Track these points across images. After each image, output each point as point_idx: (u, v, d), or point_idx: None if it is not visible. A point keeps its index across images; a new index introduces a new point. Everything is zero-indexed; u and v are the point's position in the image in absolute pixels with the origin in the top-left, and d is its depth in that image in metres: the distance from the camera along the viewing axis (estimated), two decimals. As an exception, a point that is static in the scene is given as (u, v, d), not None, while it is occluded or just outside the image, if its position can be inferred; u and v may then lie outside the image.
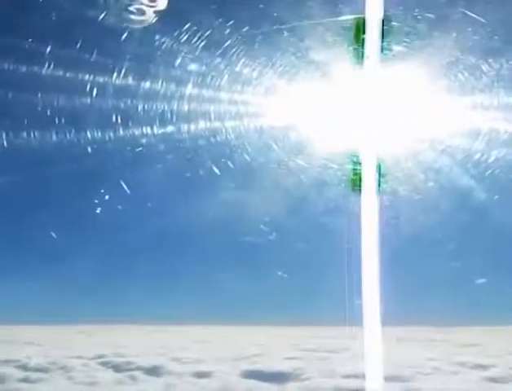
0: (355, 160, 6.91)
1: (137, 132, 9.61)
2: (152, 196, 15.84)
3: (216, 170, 10.29)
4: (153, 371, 24.49)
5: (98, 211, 13.61)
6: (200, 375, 23.91)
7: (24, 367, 25.38)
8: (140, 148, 10.28)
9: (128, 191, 12.66)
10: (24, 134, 10.30)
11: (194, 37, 8.45)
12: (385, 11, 7.07)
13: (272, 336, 49.86)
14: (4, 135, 10.17)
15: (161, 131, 9.28)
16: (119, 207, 16.48)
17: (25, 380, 22.04)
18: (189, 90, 8.75)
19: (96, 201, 14.10)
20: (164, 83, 8.72)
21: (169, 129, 9.32)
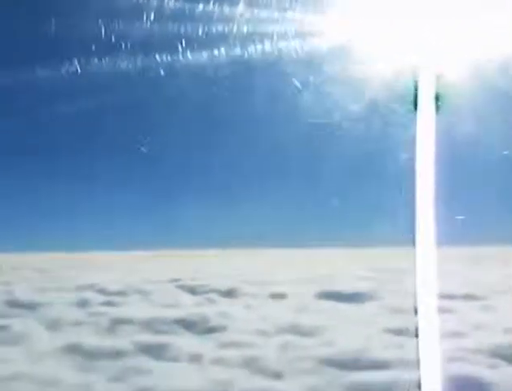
0: (413, 78, 6.25)
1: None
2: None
3: (297, 84, 9.72)
4: (229, 294, 24.73)
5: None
6: (276, 296, 24.02)
7: (104, 292, 26.07)
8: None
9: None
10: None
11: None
12: None
13: (342, 257, 49.86)
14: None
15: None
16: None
17: (108, 303, 22.62)
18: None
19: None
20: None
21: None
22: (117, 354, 13.84)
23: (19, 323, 17.82)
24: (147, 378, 11.64)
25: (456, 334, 15.66)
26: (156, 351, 14.13)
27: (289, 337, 15.77)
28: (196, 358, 13.52)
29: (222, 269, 39.50)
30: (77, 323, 18.44)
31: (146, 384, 11.01)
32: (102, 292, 26.14)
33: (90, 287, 28.13)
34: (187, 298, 24.13)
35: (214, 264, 47.06)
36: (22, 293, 25.98)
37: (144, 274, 35.76)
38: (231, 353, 13.79)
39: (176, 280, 30.62)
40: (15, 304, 22.65)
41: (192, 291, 26.43)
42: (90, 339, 15.55)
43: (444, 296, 21.19)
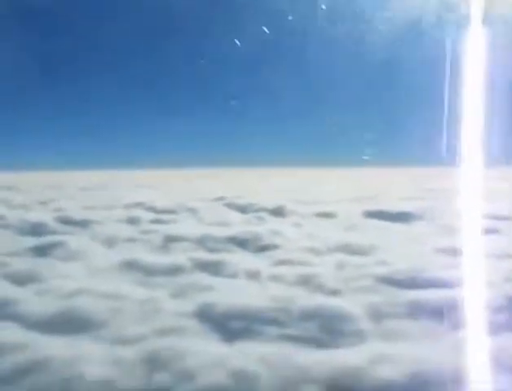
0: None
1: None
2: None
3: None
4: (278, 212, 24.78)
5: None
6: (324, 215, 23.98)
7: (153, 210, 26.36)
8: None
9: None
10: None
11: None
12: None
13: (387, 177, 49.37)
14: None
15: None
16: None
17: (158, 221, 22.90)
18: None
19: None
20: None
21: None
22: (175, 271, 14.01)
23: (74, 240, 18.17)
24: (209, 294, 11.76)
25: (504, 255, 15.48)
26: (212, 268, 14.27)
27: (343, 256, 15.76)
28: (253, 275, 13.61)
29: (266, 188, 39.64)
30: (131, 240, 18.73)
31: (209, 300, 11.13)
32: (150, 209, 26.47)
33: (138, 205, 28.49)
34: (236, 216, 24.27)
35: (258, 183, 47.17)
36: (72, 211, 26.47)
37: (190, 193, 36.09)
38: (287, 271, 13.83)
39: (222, 199, 30.81)
40: (67, 221, 23.06)
41: (240, 209, 26.58)
42: (146, 255, 15.78)
43: (492, 217, 20.90)
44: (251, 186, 42.68)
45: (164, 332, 9.42)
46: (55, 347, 8.66)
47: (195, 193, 35.27)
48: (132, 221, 23.01)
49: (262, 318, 10.27)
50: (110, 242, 18.41)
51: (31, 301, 11.22)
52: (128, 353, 8.47)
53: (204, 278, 13.30)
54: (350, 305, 11.28)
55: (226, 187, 40.29)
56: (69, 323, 9.89)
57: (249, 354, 8.55)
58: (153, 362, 8.12)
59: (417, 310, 11.19)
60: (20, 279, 13.00)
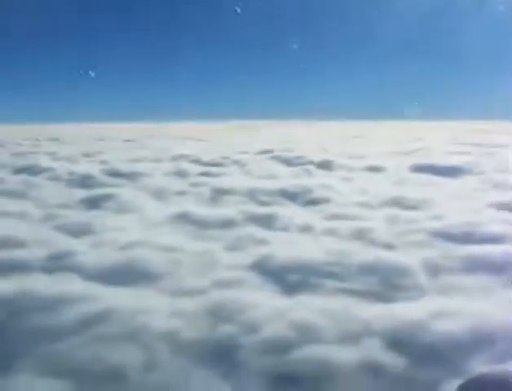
0: None
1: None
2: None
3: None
4: (325, 166, 24.58)
5: None
6: (372, 169, 23.69)
7: (200, 162, 26.42)
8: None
9: None
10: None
11: None
12: None
13: (432, 130, 48.40)
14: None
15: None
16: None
17: (205, 174, 22.94)
18: None
19: None
20: None
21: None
22: (228, 224, 14.05)
23: (124, 192, 18.35)
24: (264, 247, 11.75)
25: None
26: (265, 221, 14.25)
27: (395, 210, 15.59)
28: (306, 229, 13.56)
29: (311, 140, 39.25)
30: (181, 193, 18.82)
31: (264, 253, 11.12)
32: (197, 162, 26.53)
33: (184, 157, 28.60)
34: (284, 169, 24.15)
35: (302, 135, 46.77)
36: (118, 163, 26.72)
37: (235, 145, 35.99)
38: (339, 225, 13.73)
39: (268, 151, 30.68)
40: (115, 173, 23.30)
41: (287, 162, 26.43)
42: (197, 208, 15.84)
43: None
44: (296, 138, 42.32)
45: (223, 285, 9.48)
46: (117, 298, 8.78)
47: (240, 145, 35.15)
48: (180, 173, 23.10)
49: (320, 271, 10.25)
50: (160, 194, 18.53)
51: (89, 253, 11.35)
52: (190, 305, 8.56)
53: (257, 231, 13.28)
54: (407, 259, 11.17)
55: (271, 140, 40.05)
56: (128, 275, 9.99)
57: (309, 307, 8.55)
58: (216, 314, 8.19)
59: (473, 265, 11.04)
60: (76, 231, 13.19)
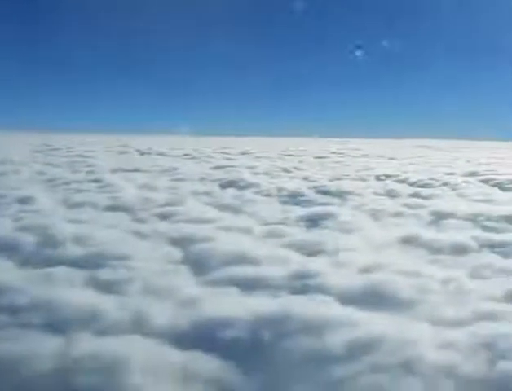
0: None
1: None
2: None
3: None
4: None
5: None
6: None
7: (406, 182, 25.85)
8: None
9: None
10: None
11: None
12: None
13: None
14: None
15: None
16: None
17: (416, 194, 22.40)
18: None
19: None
20: None
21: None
22: (462, 249, 13.45)
23: (342, 212, 18.27)
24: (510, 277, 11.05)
25: None
26: (501, 248, 13.47)
27: None
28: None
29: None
30: (397, 214, 18.42)
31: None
32: (402, 182, 26.03)
33: (389, 177, 28.19)
34: (500, 193, 22.91)
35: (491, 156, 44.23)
36: (322, 180, 26.96)
37: (436, 165, 34.87)
38: None
39: (475, 174, 29.38)
40: (323, 191, 23.46)
41: (499, 185, 25.06)
42: (422, 231, 15.37)
43: None
44: (490, 161, 40.18)
45: (486, 317, 8.98)
46: (376, 324, 8.55)
47: (441, 166, 34.03)
48: (389, 193, 22.77)
49: None
50: (376, 215, 18.28)
51: (331, 274, 11.23)
52: (458, 336, 8.18)
53: (496, 259, 12.58)
54: None
55: (470, 162, 38.39)
56: (378, 300, 9.74)
57: None
58: (490, 349, 7.73)
59: None
60: (308, 250, 13.23)
